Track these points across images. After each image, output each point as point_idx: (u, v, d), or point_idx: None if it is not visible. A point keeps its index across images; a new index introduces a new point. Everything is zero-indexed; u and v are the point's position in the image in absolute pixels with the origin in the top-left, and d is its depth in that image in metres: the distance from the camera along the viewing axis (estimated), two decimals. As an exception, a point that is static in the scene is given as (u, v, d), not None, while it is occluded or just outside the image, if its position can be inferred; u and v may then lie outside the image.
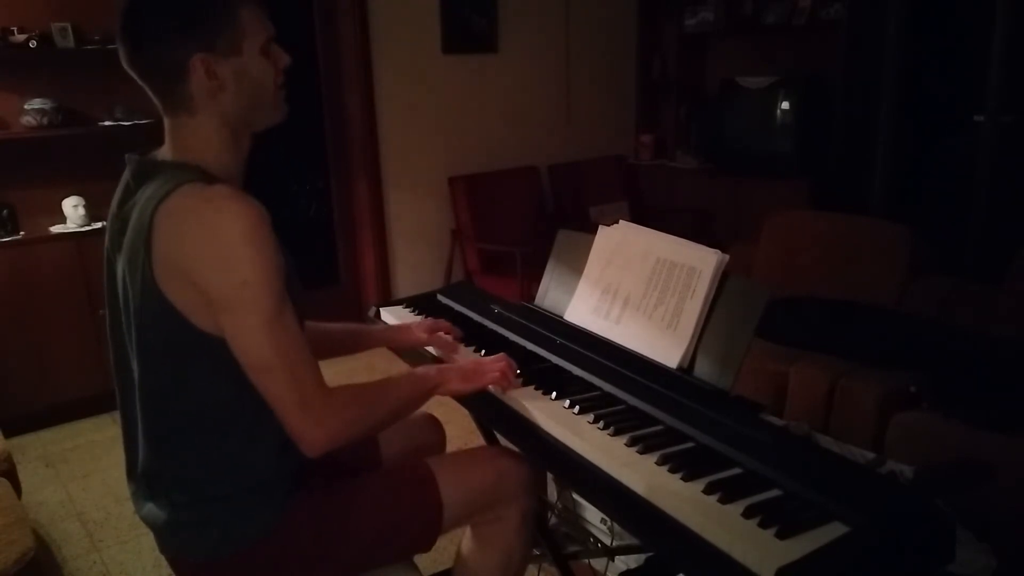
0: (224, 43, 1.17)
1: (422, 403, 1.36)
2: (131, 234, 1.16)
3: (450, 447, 1.73)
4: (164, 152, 1.24)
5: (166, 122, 1.23)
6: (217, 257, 1.09)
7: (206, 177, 1.15)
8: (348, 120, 4.01)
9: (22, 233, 3.20)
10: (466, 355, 1.63)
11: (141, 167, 1.21)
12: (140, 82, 1.21)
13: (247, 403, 1.18)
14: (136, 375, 1.22)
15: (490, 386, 1.42)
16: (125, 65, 1.20)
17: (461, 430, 2.52)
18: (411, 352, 1.73)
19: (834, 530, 0.99)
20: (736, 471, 1.13)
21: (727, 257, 1.44)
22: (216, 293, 1.10)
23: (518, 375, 1.45)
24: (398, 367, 3.70)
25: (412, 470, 1.41)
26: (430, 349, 1.69)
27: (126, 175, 1.23)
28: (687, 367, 1.44)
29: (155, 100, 1.22)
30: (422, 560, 1.47)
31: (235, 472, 1.23)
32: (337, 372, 3.59)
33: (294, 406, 1.14)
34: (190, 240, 1.10)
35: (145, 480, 1.28)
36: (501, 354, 1.46)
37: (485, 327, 1.72)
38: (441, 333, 1.67)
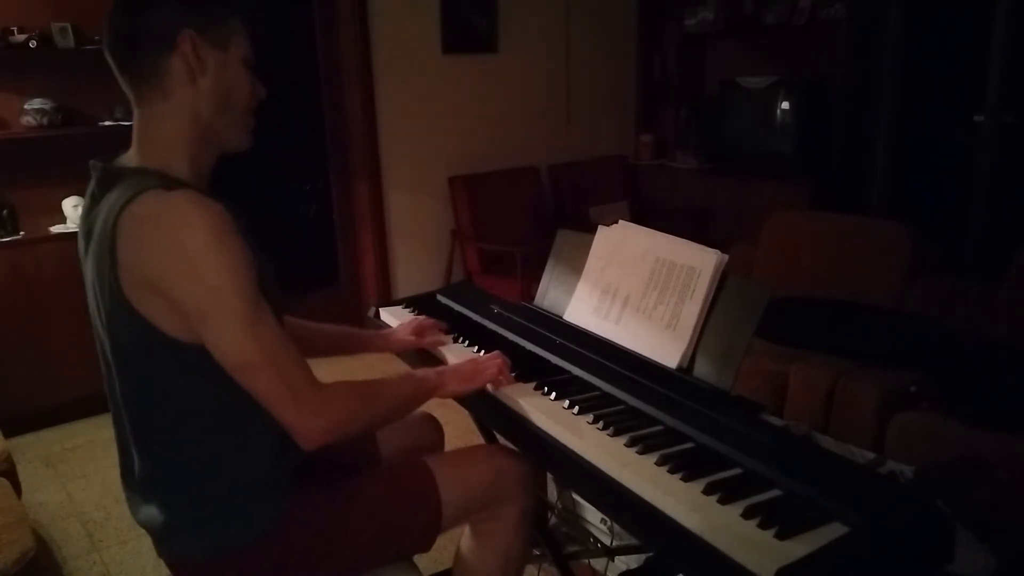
0: (214, 32, 1.19)
1: (420, 404, 1.37)
2: (96, 243, 1.15)
3: (449, 447, 1.73)
4: (128, 157, 1.23)
5: (136, 115, 1.21)
6: (183, 267, 1.08)
7: (167, 183, 1.13)
8: (348, 120, 4.01)
9: (22, 233, 3.20)
10: (457, 350, 1.64)
11: (104, 174, 1.20)
12: (123, 61, 1.18)
13: (232, 405, 1.18)
14: (116, 383, 1.22)
15: (488, 384, 1.43)
16: (111, 41, 1.18)
17: (461, 430, 2.52)
18: (406, 353, 1.75)
19: (834, 530, 0.99)
20: (736, 471, 1.13)
21: (727, 257, 1.44)
22: (187, 303, 1.09)
23: (513, 373, 1.45)
24: (397, 366, 3.70)
25: (411, 469, 1.41)
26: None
27: (91, 183, 1.22)
28: (687, 367, 1.44)
29: (130, 88, 1.20)
30: (422, 560, 1.47)
31: (228, 473, 1.23)
32: (337, 372, 3.60)
33: (286, 400, 1.14)
34: (153, 251, 1.08)
35: (139, 484, 1.27)
36: (496, 352, 1.47)
37: (485, 327, 1.72)
38: (426, 332, 1.69)
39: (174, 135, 1.20)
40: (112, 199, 1.14)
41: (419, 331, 1.70)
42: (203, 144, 1.23)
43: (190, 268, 1.08)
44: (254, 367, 1.12)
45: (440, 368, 1.44)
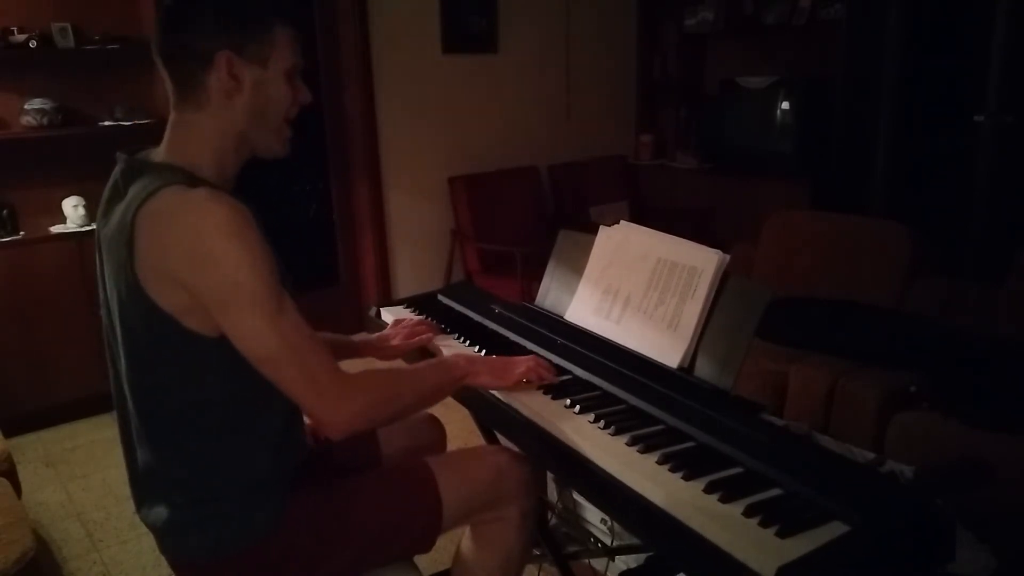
0: (253, 50, 1.19)
1: (449, 391, 1.37)
2: (114, 235, 1.16)
3: (450, 447, 1.73)
4: (157, 152, 1.24)
5: (172, 116, 1.23)
6: (205, 261, 1.09)
7: (190, 180, 1.14)
8: (348, 120, 4.01)
9: (22, 233, 3.20)
10: (454, 346, 1.64)
11: (129, 166, 1.21)
12: (163, 67, 1.21)
13: (239, 402, 1.19)
14: (125, 376, 1.22)
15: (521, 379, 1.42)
16: (154, 47, 1.21)
17: (461, 430, 2.52)
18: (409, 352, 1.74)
19: (834, 529, 0.99)
20: (736, 470, 1.13)
21: (728, 257, 1.44)
22: (210, 297, 1.10)
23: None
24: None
25: (412, 469, 1.41)
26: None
27: (115, 173, 1.23)
28: (687, 367, 1.44)
29: (170, 91, 1.22)
30: (422, 560, 1.47)
31: (231, 472, 1.23)
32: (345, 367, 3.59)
33: (309, 393, 1.15)
34: (175, 245, 1.09)
35: (144, 481, 1.28)
36: (531, 356, 1.47)
37: (485, 327, 1.72)
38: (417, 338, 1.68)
39: (205, 140, 1.21)
40: (134, 191, 1.15)
41: (411, 336, 1.69)
42: (233, 150, 1.24)
43: (211, 261, 1.09)
44: (278, 359, 1.13)
45: (472, 356, 1.44)
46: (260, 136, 1.25)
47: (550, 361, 1.51)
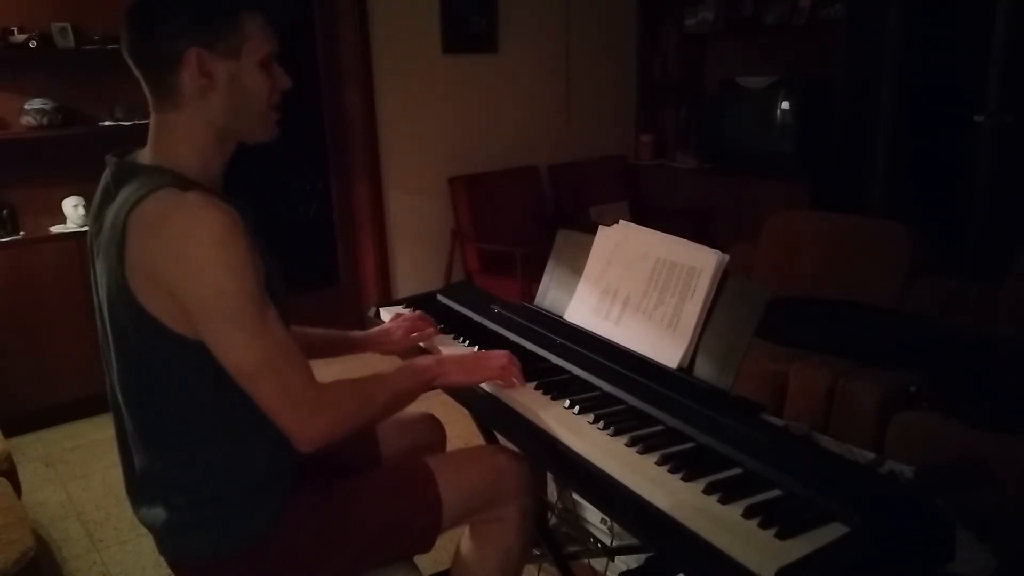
0: (223, 44, 1.18)
1: (420, 394, 1.36)
2: (105, 239, 1.15)
3: (450, 447, 1.73)
4: (143, 154, 1.23)
5: (152, 118, 1.22)
6: (190, 267, 1.08)
7: (181, 182, 1.14)
8: (348, 120, 4.01)
9: (22, 233, 3.20)
10: (458, 350, 1.63)
11: (119, 168, 1.20)
12: (136, 71, 1.21)
13: (231, 404, 1.18)
14: (117, 380, 1.22)
15: (491, 381, 1.42)
16: (125, 51, 1.20)
17: (461, 430, 2.52)
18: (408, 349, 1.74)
19: (834, 530, 0.99)
20: (736, 471, 1.13)
21: (727, 257, 1.44)
22: (192, 303, 1.10)
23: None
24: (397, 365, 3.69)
25: (411, 469, 1.41)
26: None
27: (106, 176, 1.23)
28: (687, 367, 1.44)
29: (147, 93, 1.21)
30: (422, 560, 1.47)
31: (228, 473, 1.23)
32: (335, 372, 3.59)
33: (283, 407, 1.14)
34: (163, 249, 1.09)
35: (141, 483, 1.28)
36: (504, 351, 1.46)
37: (485, 327, 1.72)
38: (417, 333, 1.68)
39: (187, 139, 1.21)
40: (125, 195, 1.15)
41: (412, 330, 1.69)
42: (218, 145, 1.23)
43: (197, 269, 1.08)
44: (253, 372, 1.13)
45: (441, 356, 1.43)
46: (244, 127, 1.24)
47: (549, 361, 1.52)
